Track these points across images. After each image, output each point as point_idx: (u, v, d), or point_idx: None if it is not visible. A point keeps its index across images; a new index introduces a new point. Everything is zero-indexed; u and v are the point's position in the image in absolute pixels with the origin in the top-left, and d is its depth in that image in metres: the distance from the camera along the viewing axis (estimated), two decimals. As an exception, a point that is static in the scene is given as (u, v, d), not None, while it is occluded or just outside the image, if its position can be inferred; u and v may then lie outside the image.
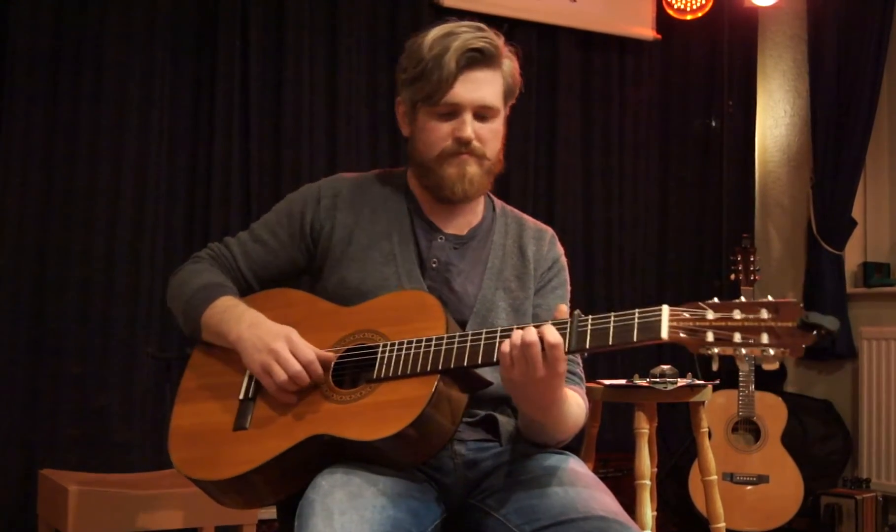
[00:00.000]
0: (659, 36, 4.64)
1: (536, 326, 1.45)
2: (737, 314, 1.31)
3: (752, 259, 3.95)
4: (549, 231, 1.87)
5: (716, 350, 1.32)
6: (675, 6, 4.56)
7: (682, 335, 1.34)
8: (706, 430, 2.97)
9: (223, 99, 3.76)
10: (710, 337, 1.32)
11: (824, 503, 3.98)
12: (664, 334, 1.34)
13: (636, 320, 1.38)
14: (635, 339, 1.37)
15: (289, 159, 3.87)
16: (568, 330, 1.44)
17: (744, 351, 1.30)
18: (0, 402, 3.37)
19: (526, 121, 4.38)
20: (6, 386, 3.39)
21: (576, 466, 1.62)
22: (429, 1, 4.07)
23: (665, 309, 1.36)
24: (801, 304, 1.29)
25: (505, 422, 1.68)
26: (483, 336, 1.50)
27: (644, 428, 2.84)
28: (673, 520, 4.10)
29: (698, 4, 4.53)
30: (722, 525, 2.93)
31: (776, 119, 4.92)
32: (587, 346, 1.43)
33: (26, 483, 3.29)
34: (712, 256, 4.81)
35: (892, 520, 4.15)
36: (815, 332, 1.27)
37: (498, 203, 1.87)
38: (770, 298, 1.31)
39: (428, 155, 1.71)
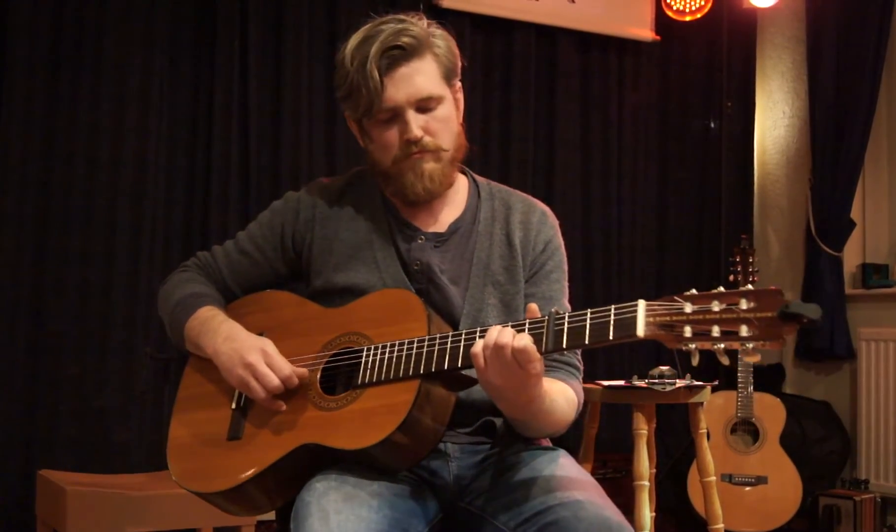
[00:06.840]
0: (658, 37, 4.64)
1: (514, 326, 1.41)
2: (715, 305, 1.24)
3: (750, 260, 3.95)
4: (539, 208, 1.79)
5: (693, 345, 1.25)
6: (675, 7, 4.56)
7: (658, 331, 1.28)
8: (705, 430, 2.97)
9: (222, 99, 3.76)
10: (688, 332, 1.25)
11: (823, 504, 3.98)
12: (640, 332, 1.28)
13: (612, 317, 1.33)
14: (611, 337, 1.32)
15: (287, 160, 3.87)
16: (544, 329, 1.40)
17: (722, 345, 1.24)
18: (-1, 403, 3.38)
19: (525, 122, 4.38)
20: (5, 386, 3.39)
21: (564, 462, 1.61)
22: (428, 2, 4.07)
23: (641, 304, 1.30)
24: (782, 293, 1.22)
25: (501, 423, 1.66)
26: (462, 337, 1.48)
27: (642, 429, 2.84)
28: (671, 521, 4.10)
29: (697, 6, 4.53)
30: (720, 526, 2.93)
31: (775, 120, 4.92)
32: (564, 346, 1.38)
33: (25, 483, 3.28)
34: (711, 257, 4.81)
35: (890, 521, 4.15)
36: (796, 322, 1.19)
37: (484, 184, 1.80)
38: (750, 287, 1.25)
39: (384, 164, 1.68)
